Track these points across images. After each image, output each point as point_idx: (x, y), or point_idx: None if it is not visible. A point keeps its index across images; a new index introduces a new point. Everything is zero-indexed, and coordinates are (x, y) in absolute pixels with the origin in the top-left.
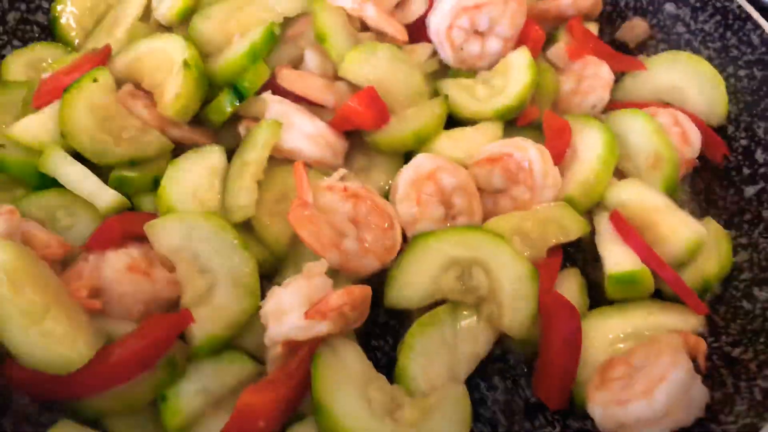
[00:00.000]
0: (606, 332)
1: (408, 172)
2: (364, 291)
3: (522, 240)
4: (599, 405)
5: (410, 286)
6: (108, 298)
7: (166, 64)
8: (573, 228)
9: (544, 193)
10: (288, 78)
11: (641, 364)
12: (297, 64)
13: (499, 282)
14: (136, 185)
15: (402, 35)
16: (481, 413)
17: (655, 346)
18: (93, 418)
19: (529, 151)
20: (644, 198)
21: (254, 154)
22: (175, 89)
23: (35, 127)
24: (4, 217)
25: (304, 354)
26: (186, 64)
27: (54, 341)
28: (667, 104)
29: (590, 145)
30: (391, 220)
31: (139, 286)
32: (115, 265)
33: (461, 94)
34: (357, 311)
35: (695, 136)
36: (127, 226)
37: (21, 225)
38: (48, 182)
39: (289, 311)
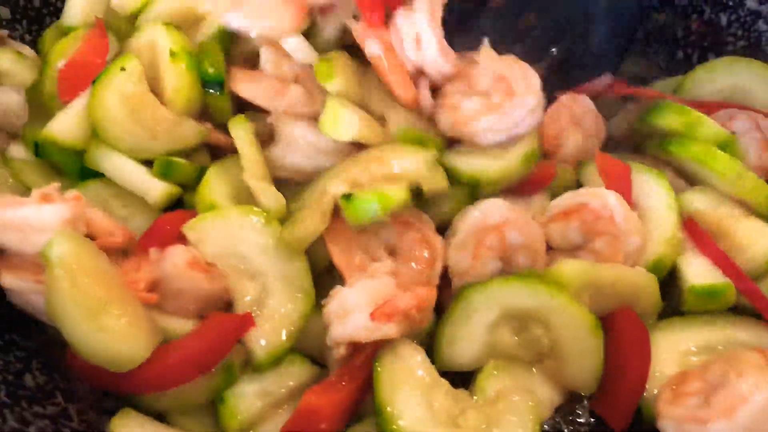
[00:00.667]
0: (676, 345)
1: (473, 218)
2: (431, 293)
3: (593, 294)
4: (672, 421)
5: (460, 344)
6: (165, 293)
7: (157, 57)
8: (647, 306)
9: (630, 241)
10: (239, 79)
11: (719, 381)
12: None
13: (560, 336)
14: (183, 171)
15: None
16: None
17: (735, 364)
18: (151, 412)
19: (606, 197)
20: (718, 205)
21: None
22: (171, 83)
23: (71, 125)
24: (70, 204)
25: (368, 355)
26: (172, 54)
27: (112, 338)
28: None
29: (652, 195)
30: (434, 257)
31: (197, 283)
32: (176, 260)
33: (470, 160)
34: (423, 314)
35: None
36: (178, 227)
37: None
38: (91, 173)
39: (354, 312)
